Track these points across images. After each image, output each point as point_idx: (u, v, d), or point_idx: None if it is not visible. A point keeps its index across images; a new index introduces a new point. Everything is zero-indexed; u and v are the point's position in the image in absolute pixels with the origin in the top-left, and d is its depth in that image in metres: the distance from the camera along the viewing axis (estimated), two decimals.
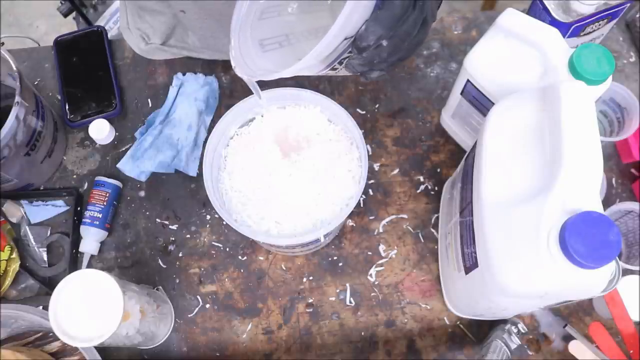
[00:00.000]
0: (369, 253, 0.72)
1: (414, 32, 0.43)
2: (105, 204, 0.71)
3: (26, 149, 0.68)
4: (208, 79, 0.78)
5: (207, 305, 0.70)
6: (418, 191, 0.74)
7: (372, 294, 0.70)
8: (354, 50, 0.42)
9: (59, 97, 0.79)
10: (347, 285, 0.70)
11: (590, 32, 0.70)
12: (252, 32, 0.50)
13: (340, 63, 0.44)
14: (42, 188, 0.75)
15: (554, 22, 0.66)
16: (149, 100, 0.80)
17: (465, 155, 0.62)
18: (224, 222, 0.65)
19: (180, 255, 0.72)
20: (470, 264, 0.54)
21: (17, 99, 0.64)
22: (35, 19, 1.93)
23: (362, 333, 0.68)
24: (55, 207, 0.74)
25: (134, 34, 0.81)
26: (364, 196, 0.74)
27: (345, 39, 0.40)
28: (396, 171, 0.75)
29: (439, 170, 0.76)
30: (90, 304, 0.53)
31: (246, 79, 0.50)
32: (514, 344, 0.63)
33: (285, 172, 0.58)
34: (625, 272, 0.63)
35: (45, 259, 0.71)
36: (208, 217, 0.74)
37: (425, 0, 0.42)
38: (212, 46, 0.78)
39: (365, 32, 0.40)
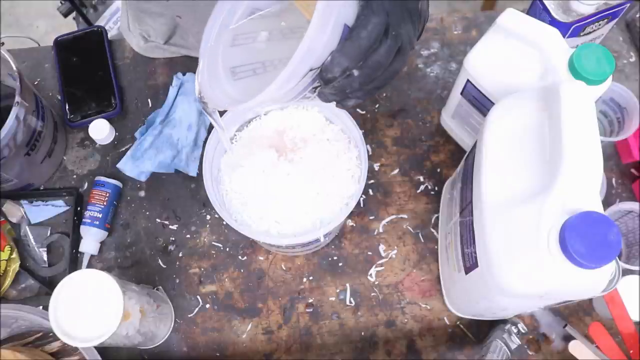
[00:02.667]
0: (369, 253, 0.71)
1: (387, 62, 0.40)
2: (105, 204, 0.71)
3: (26, 149, 0.68)
4: None
5: (207, 305, 0.70)
6: (418, 191, 0.74)
7: (372, 294, 0.70)
8: (320, 81, 0.40)
9: (59, 97, 0.79)
10: (347, 285, 0.70)
11: (590, 32, 0.70)
12: (224, 59, 0.47)
13: (314, 91, 0.42)
14: (42, 188, 0.75)
15: (554, 22, 0.66)
16: (149, 100, 0.80)
17: (465, 155, 0.62)
18: (224, 222, 0.65)
19: (180, 255, 0.72)
20: (470, 264, 0.54)
21: (17, 99, 0.64)
22: (35, 19, 1.93)
23: (362, 333, 0.68)
24: (55, 207, 0.74)
25: (134, 34, 0.81)
26: (364, 196, 0.74)
27: (311, 69, 0.38)
28: (396, 171, 0.75)
29: (439, 170, 0.76)
30: (90, 304, 0.53)
31: (210, 109, 0.47)
32: (514, 344, 0.63)
33: (283, 171, 0.58)
34: (625, 272, 0.63)
35: (45, 259, 0.71)
36: (208, 217, 0.74)
37: (401, 27, 0.40)
38: None
39: (331, 64, 0.38)
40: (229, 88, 0.46)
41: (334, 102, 0.43)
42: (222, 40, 0.47)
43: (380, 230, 0.73)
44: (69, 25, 1.38)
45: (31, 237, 0.72)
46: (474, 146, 0.56)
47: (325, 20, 0.36)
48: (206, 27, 0.47)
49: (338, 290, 0.70)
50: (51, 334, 0.65)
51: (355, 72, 0.39)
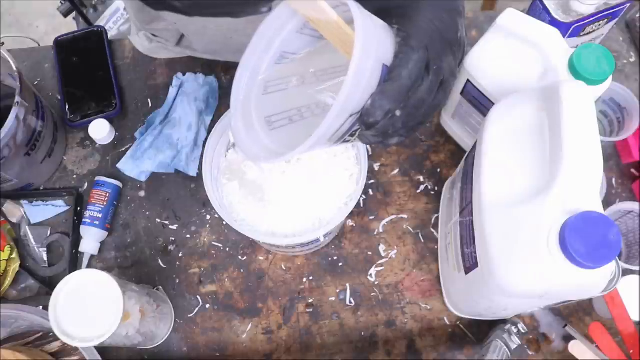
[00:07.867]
0: (369, 253, 0.71)
1: (430, 98, 0.38)
2: (105, 204, 0.71)
3: (26, 149, 0.68)
4: (208, 79, 0.78)
5: (207, 305, 0.70)
6: (418, 191, 0.74)
7: (372, 294, 0.70)
8: (361, 126, 0.38)
9: (59, 97, 0.79)
10: (347, 285, 0.70)
11: (590, 32, 0.70)
12: (257, 110, 0.45)
13: (352, 135, 0.40)
14: (42, 188, 0.75)
15: (554, 22, 0.66)
16: (149, 100, 0.80)
17: (465, 155, 0.62)
18: (224, 222, 0.65)
19: (180, 255, 0.72)
20: (470, 264, 0.54)
21: (17, 99, 0.64)
22: (35, 19, 1.93)
23: (362, 333, 0.68)
24: (55, 207, 0.74)
25: (139, 36, 0.81)
26: (363, 196, 0.74)
27: (351, 115, 0.36)
28: (396, 171, 0.75)
29: (439, 170, 0.76)
30: (90, 304, 0.53)
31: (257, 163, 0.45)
32: (514, 344, 0.63)
33: (281, 171, 0.58)
34: (625, 272, 0.63)
35: (45, 259, 0.71)
36: (208, 217, 0.74)
37: (442, 61, 0.38)
38: (217, 54, 0.79)
39: (372, 108, 0.36)
40: (265, 139, 0.44)
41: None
42: (254, 90, 0.45)
43: (380, 230, 0.73)
44: (69, 25, 1.38)
45: (31, 237, 0.72)
46: (474, 146, 0.56)
47: (362, 65, 0.34)
48: (235, 80, 0.45)
49: (338, 290, 0.70)
50: (51, 334, 0.65)
51: (398, 113, 0.37)
